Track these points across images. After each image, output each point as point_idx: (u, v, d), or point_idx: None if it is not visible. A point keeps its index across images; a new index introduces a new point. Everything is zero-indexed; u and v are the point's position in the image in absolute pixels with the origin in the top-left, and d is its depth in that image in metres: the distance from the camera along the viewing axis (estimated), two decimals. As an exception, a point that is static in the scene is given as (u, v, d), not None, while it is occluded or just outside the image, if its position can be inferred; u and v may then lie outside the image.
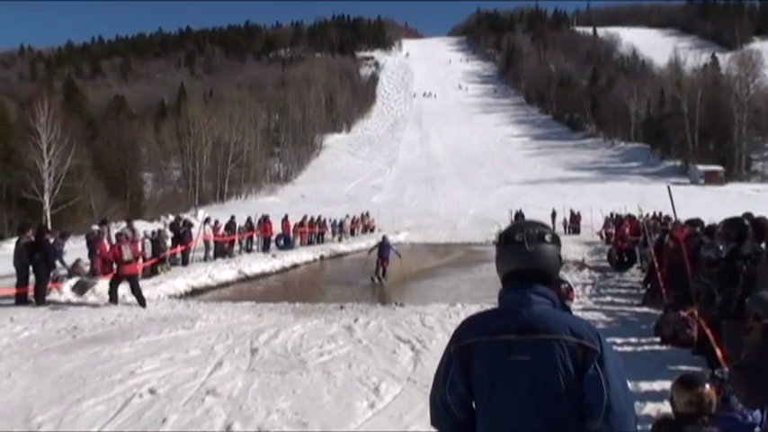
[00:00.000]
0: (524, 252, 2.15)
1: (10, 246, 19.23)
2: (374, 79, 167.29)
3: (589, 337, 2.03)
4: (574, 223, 43.30)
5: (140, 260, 14.94)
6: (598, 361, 2.00)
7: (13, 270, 14.29)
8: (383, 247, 19.47)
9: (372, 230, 44.96)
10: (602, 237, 32.24)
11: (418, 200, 74.94)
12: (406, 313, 11.56)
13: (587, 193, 67.12)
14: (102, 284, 14.30)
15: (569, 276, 15.72)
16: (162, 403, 6.30)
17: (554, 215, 43.14)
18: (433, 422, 2.24)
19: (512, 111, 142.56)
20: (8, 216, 45.69)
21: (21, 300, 13.70)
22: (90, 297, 13.87)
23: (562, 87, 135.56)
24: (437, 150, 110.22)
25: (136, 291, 13.33)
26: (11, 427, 5.69)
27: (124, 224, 21.15)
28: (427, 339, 8.99)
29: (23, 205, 46.06)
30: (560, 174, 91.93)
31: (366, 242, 35.95)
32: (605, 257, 21.07)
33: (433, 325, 10.19)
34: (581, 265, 19.81)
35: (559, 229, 39.54)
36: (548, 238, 2.19)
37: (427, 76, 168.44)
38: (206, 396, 6.50)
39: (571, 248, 25.46)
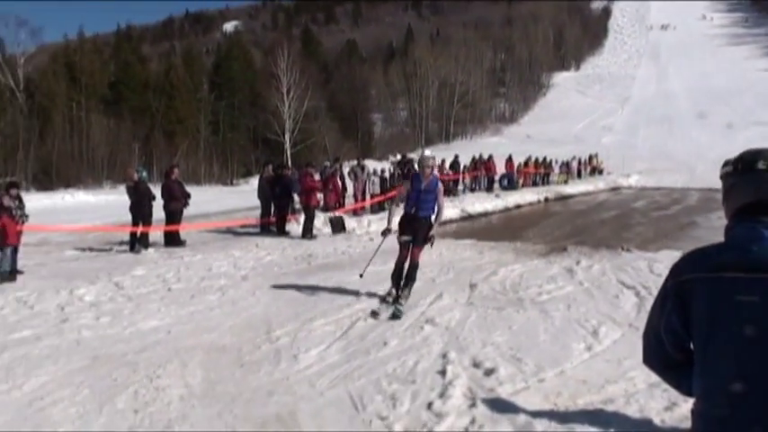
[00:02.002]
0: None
1: (256, 181, 21.17)
2: (606, 12, 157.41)
3: None
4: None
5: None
6: None
7: (258, 202, 15.83)
8: (414, 190, 7.73)
9: (600, 173, 43.14)
10: None
11: (652, 141, 70.15)
12: (632, 259, 11.04)
13: None
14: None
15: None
16: (384, 328, 6.70)
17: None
18: (645, 360, 2.12)
19: (765, 41, 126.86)
20: (254, 155, 50.47)
21: (264, 229, 15.21)
22: (325, 229, 14.98)
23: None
24: (675, 87, 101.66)
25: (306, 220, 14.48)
26: (255, 337, 6.44)
27: (355, 162, 22.26)
28: (654, 287, 8.47)
29: (267, 145, 50.66)
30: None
31: (594, 185, 34.69)
32: None
33: (661, 272, 9.57)
34: None
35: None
36: None
37: (666, 7, 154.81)
38: (425, 324, 6.78)
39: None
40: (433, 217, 7.77)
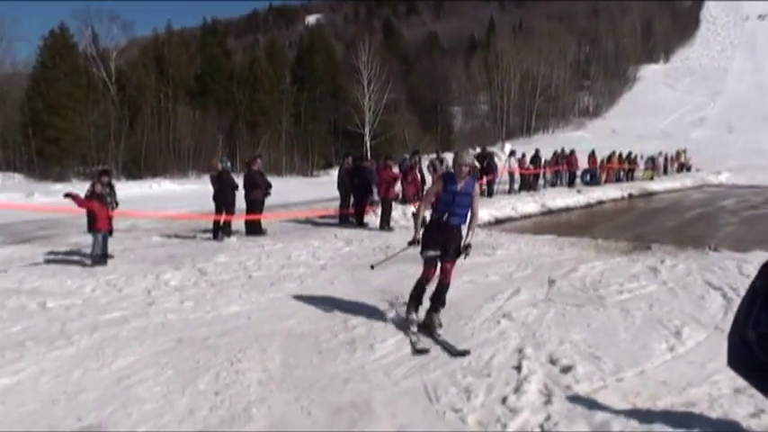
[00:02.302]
0: None
1: (336, 172, 21.41)
2: (698, 2, 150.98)
3: None
4: None
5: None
6: None
7: (337, 193, 16.02)
8: (448, 192, 6.16)
9: (689, 169, 41.58)
10: None
11: (746, 137, 67.14)
12: (720, 259, 10.60)
13: None
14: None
15: None
16: (463, 321, 6.69)
17: None
18: (729, 361, 2.04)
19: None
20: (335, 146, 51.13)
21: (343, 220, 15.37)
22: (402, 221, 15.06)
23: None
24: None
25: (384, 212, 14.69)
26: (332, 325, 6.56)
27: (434, 155, 22.20)
28: (742, 288, 8.02)
29: (348, 137, 51.22)
30: None
31: (680, 182, 33.55)
32: None
33: (750, 273, 9.14)
34: None
35: None
36: None
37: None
38: (502, 319, 6.74)
39: None
40: (464, 226, 6.32)
